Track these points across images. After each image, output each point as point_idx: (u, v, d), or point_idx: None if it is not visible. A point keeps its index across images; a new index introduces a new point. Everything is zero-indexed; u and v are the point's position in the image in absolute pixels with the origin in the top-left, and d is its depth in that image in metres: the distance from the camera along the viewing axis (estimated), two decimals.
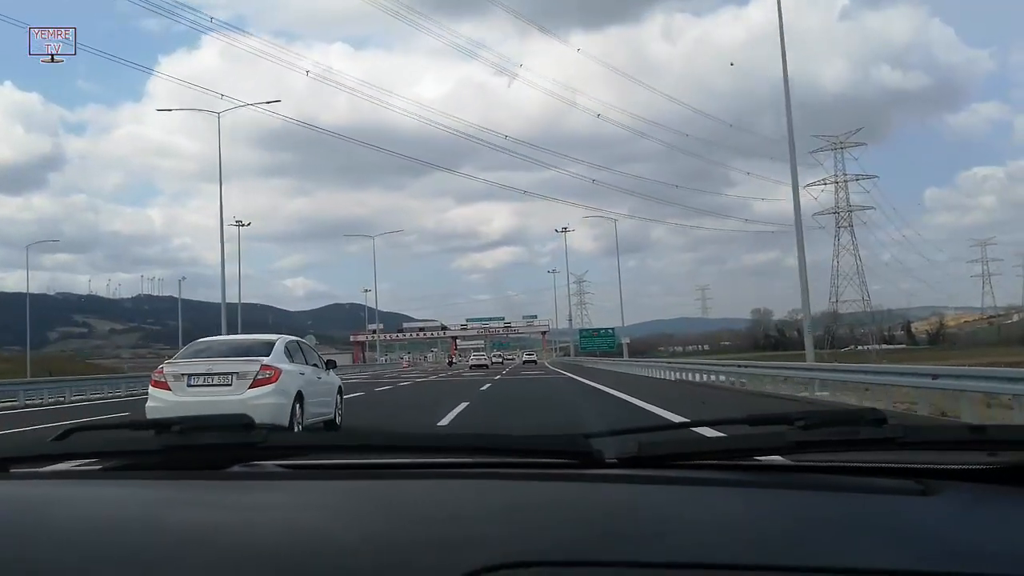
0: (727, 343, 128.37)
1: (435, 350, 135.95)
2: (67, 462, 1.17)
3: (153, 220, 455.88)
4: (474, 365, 59.04)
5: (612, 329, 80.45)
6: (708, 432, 1.33)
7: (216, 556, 0.75)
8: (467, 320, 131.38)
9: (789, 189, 22.71)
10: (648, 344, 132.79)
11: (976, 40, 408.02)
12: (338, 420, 10.51)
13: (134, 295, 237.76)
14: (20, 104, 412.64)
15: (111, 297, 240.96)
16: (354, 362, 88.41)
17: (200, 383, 8.52)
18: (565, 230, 75.81)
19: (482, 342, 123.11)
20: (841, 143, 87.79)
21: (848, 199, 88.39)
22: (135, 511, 0.93)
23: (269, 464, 1.15)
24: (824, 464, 1.08)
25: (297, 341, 10.11)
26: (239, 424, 1.12)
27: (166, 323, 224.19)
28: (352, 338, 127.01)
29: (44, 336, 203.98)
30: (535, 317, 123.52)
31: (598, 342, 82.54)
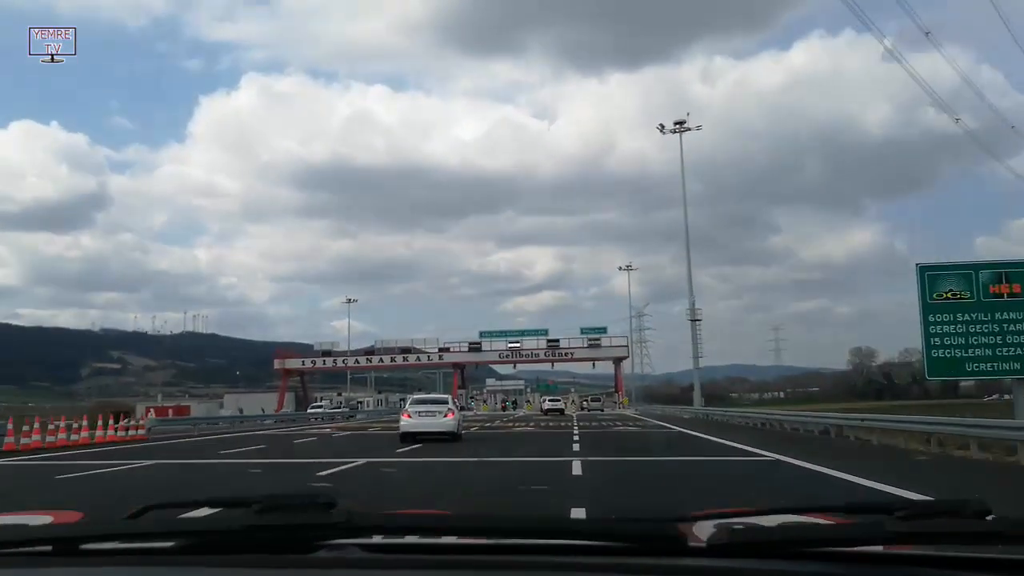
0: (815, 389, 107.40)
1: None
2: (141, 541, 1.12)
3: (199, 259, 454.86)
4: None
5: None
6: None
7: None
8: (482, 334, 71.65)
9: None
10: (722, 388, 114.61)
11: None
12: (462, 433, 21.73)
13: (178, 332, 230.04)
14: (66, 145, 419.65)
15: (154, 334, 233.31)
16: (276, 413, 49.52)
17: (423, 415, 20.38)
18: (682, 124, 48.76)
19: (522, 382, 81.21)
20: None
21: None
22: None
23: (354, 547, 1.10)
24: (925, 555, 1.02)
25: (452, 397, 27.11)
26: (321, 503, 1.07)
27: (204, 360, 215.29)
28: (276, 365, 73.04)
29: (75, 372, 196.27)
30: (604, 331, 69.68)
31: None
